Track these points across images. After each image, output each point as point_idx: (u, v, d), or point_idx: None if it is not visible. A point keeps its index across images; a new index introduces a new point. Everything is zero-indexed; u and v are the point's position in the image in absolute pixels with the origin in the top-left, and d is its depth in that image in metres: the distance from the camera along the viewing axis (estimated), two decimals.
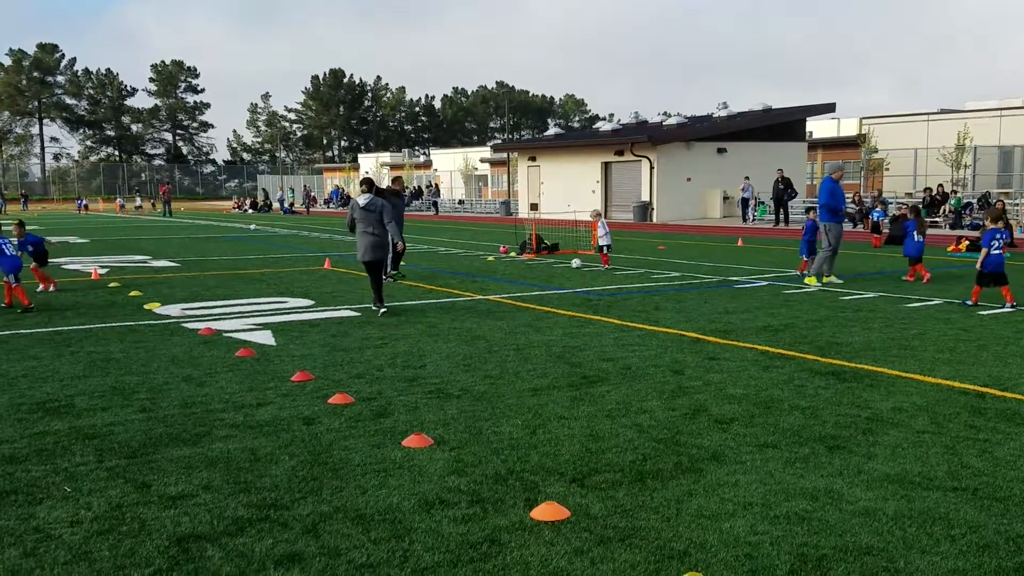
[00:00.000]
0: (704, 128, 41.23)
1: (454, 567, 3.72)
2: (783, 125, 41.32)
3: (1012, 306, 10.77)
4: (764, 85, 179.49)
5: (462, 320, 10.54)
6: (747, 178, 35.37)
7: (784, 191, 32.50)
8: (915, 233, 14.10)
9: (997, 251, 10.92)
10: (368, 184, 11.42)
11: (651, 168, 38.56)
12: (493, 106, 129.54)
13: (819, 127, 50.49)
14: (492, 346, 8.80)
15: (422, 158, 78.79)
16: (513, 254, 20.96)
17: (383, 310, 10.95)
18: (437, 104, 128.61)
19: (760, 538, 4.01)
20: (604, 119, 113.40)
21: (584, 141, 45.12)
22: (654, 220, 37.76)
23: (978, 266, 11.06)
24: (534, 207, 43.76)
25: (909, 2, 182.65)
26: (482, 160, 67.09)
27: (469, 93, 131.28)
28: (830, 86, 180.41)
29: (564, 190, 42.19)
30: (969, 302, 11.15)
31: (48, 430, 5.77)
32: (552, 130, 59.03)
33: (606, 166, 41.66)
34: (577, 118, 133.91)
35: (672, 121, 44.12)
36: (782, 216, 32.42)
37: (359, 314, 10.99)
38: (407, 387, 7.01)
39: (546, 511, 4.28)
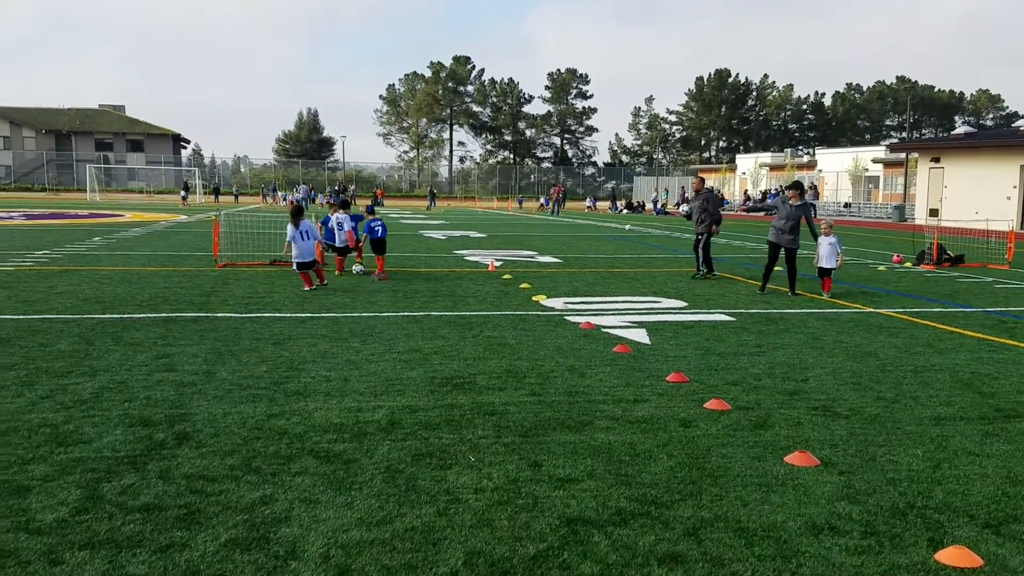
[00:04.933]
0: None
1: None
2: None
3: None
4: None
5: (849, 334, 9.83)
6: None
7: None
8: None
9: None
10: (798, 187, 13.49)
11: None
12: (891, 102, 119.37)
13: None
14: (885, 365, 8.08)
15: (805, 158, 75.08)
16: (908, 264, 19.12)
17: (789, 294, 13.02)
18: (827, 101, 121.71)
19: None
20: None
21: (1000, 141, 39.70)
22: None
23: None
24: (934, 213, 39.51)
25: None
26: (874, 160, 62.12)
27: (864, 89, 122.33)
28: None
29: (971, 195, 37.52)
30: None
31: (455, 403, 6.45)
32: (961, 128, 52.87)
33: None
34: (991, 115, 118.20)
35: None
36: None
37: (734, 319, 10.77)
38: (788, 400, 6.70)
39: (954, 555, 3.80)
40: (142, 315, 10.13)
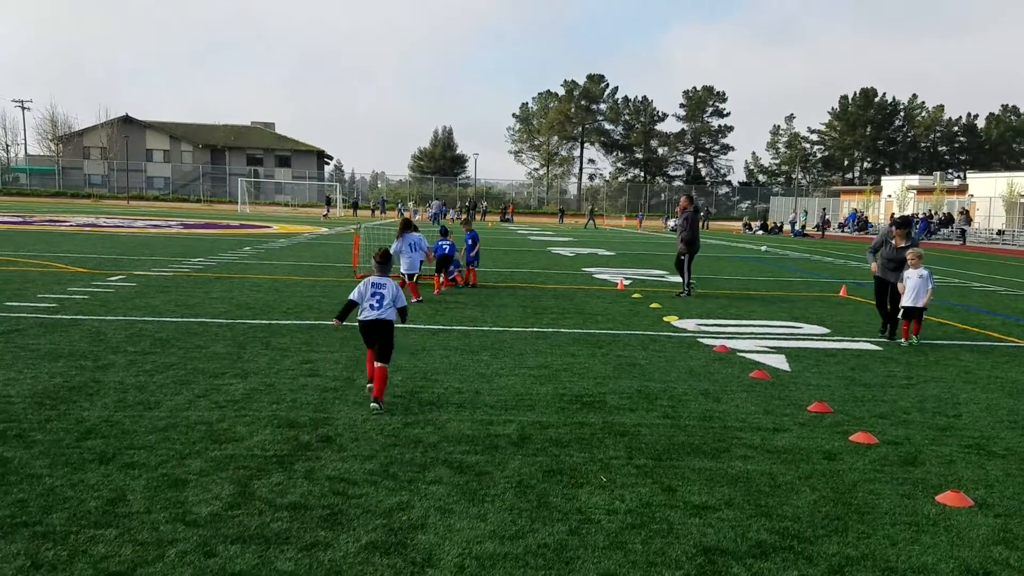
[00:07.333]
0: None
1: None
2: None
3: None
4: None
5: (1005, 369, 9.18)
6: None
7: None
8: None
9: None
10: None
11: None
12: None
13: None
14: None
15: (956, 182, 70.87)
16: None
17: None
18: (980, 123, 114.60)
19: None
20: None
21: None
22: None
23: None
24: None
25: None
26: None
27: (1022, 111, 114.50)
28: None
29: None
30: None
31: (585, 421, 6.42)
32: None
33: None
34: None
35: None
36: None
37: (880, 348, 10.26)
38: (939, 436, 6.32)
39: None
40: (288, 321, 10.64)
